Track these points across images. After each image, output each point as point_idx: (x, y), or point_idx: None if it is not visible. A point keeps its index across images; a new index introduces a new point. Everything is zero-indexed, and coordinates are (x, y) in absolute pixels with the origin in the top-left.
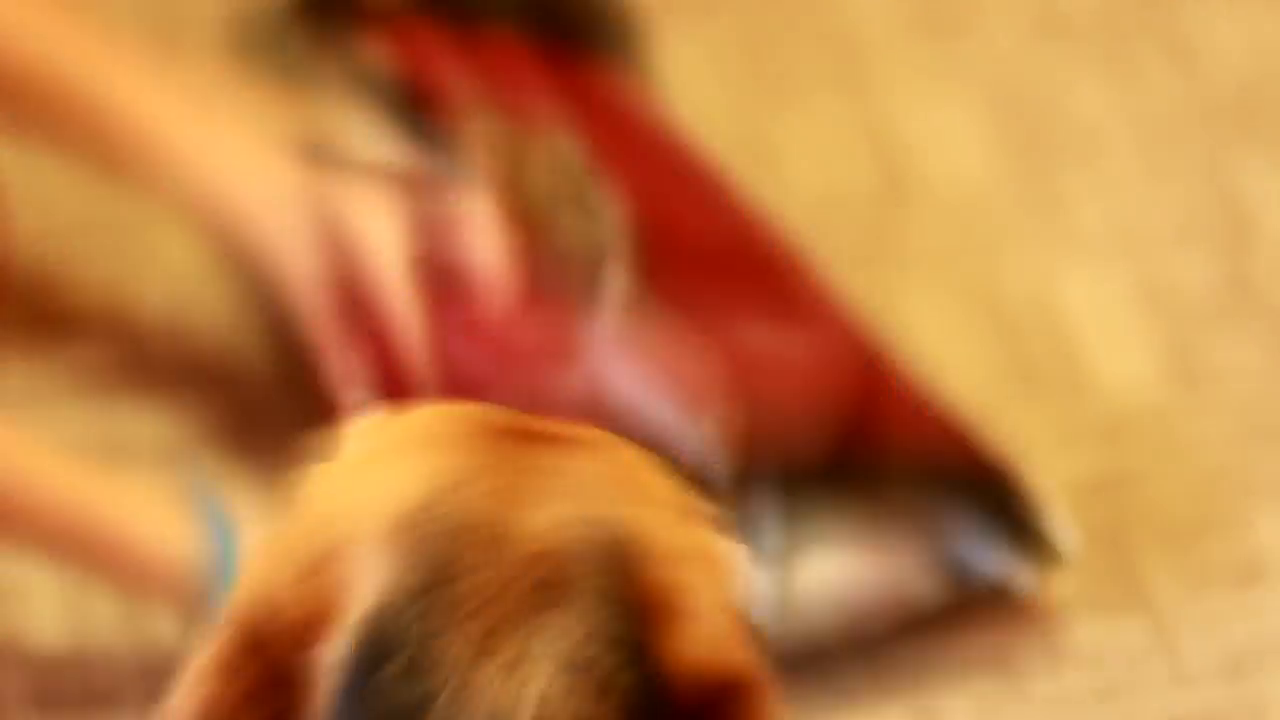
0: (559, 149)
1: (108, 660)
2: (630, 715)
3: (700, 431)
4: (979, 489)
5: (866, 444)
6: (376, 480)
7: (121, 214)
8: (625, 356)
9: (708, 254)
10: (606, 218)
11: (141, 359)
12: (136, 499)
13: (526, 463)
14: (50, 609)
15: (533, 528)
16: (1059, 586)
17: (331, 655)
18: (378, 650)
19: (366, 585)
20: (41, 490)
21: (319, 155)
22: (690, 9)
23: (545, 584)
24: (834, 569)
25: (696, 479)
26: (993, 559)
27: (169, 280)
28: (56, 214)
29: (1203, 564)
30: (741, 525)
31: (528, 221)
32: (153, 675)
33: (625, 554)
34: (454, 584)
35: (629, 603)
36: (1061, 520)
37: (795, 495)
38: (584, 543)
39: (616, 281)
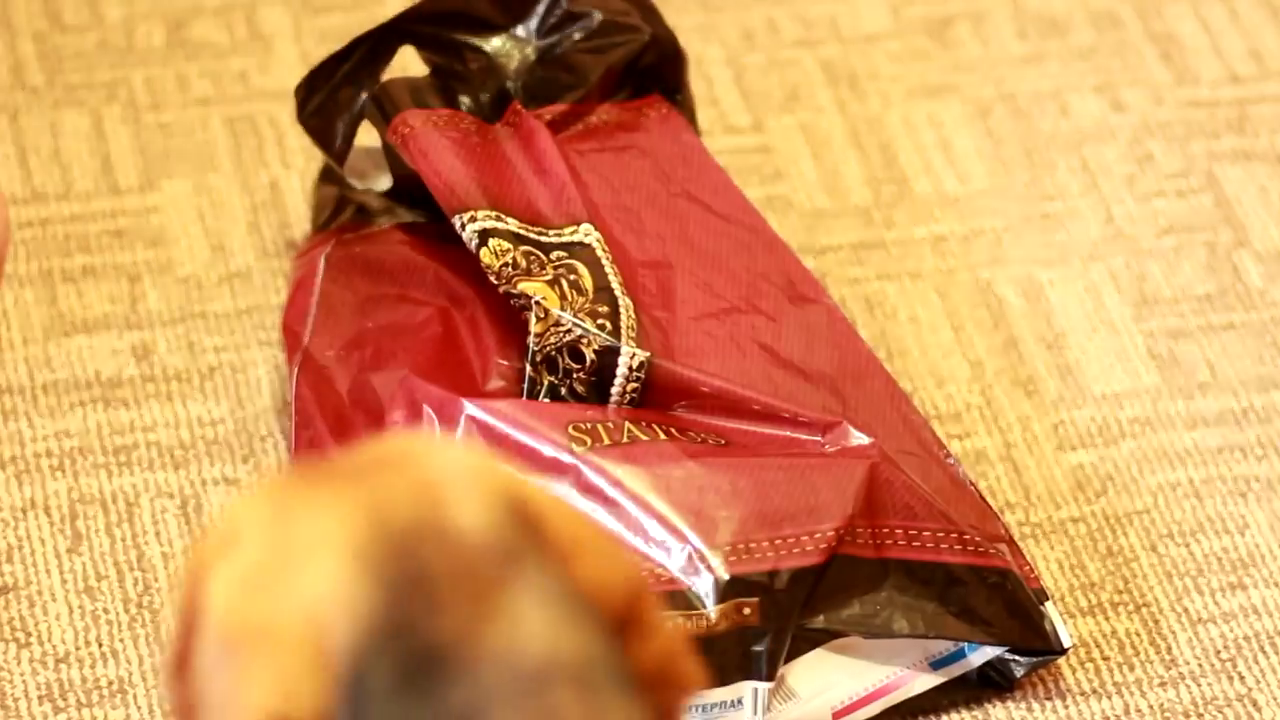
0: (571, 249)
1: (117, 656)
2: (601, 637)
3: (685, 546)
4: (974, 587)
5: (865, 547)
6: (302, 540)
7: (129, 208)
8: (626, 461)
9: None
10: (620, 310)
11: (148, 359)
12: None
13: (413, 476)
14: (60, 606)
15: (464, 520)
16: (1054, 586)
17: (323, 692)
18: (378, 670)
19: (339, 619)
20: None
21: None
22: (690, 9)
23: (500, 560)
24: (826, 672)
25: (675, 595)
26: (986, 653)
27: (176, 279)
28: (57, 208)
29: (1196, 563)
30: (736, 634)
31: (539, 316)
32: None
33: (532, 513)
34: (426, 587)
35: (553, 550)
36: (1056, 615)
37: (791, 601)
38: (506, 515)
39: (626, 379)
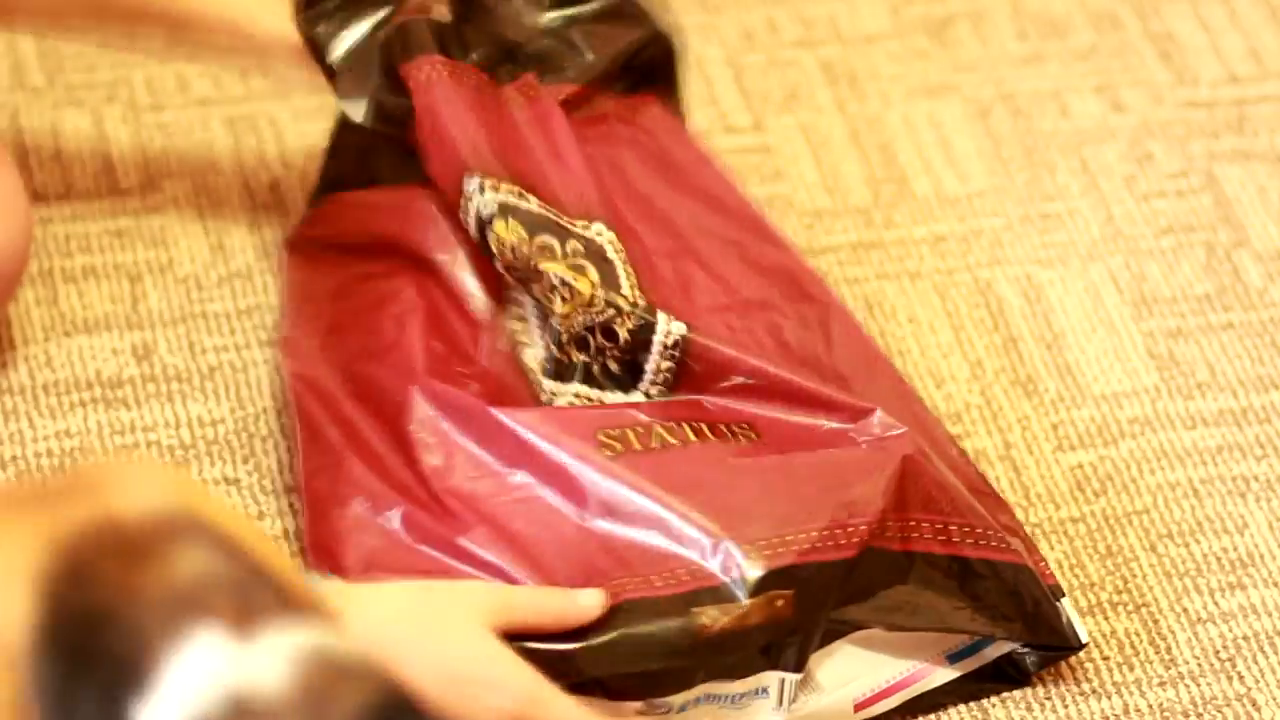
0: (586, 244)
1: None
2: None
3: (719, 542)
4: (992, 582)
5: (893, 540)
6: None
7: (129, 209)
8: (656, 466)
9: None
10: (629, 290)
11: (148, 359)
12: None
13: (93, 490)
14: None
15: (129, 510)
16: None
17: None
18: (53, 657)
19: (17, 631)
20: None
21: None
22: (690, 9)
23: (160, 532)
24: (848, 664)
25: (710, 590)
26: (1003, 647)
27: (177, 279)
28: (67, 209)
29: (1195, 563)
30: (769, 627)
31: (543, 298)
32: None
33: (196, 502)
34: (85, 571)
35: (218, 529)
36: (1073, 610)
37: (823, 594)
38: (169, 503)
39: (661, 356)
